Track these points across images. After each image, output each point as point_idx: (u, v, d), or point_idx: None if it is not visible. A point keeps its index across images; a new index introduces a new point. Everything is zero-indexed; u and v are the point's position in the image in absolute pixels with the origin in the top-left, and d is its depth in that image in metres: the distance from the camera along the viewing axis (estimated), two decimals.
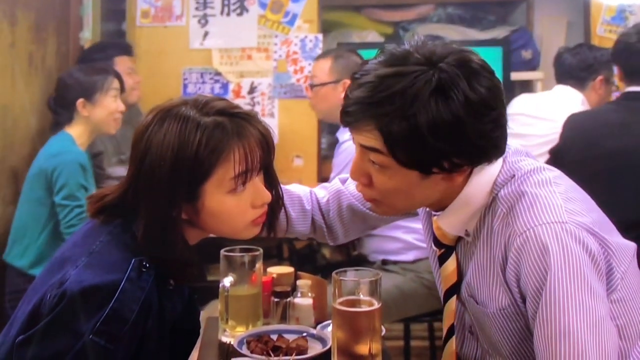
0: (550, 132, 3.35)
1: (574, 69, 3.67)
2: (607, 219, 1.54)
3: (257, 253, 1.92)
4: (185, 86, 4.33)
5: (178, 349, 1.67)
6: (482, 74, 1.42)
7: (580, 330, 1.33)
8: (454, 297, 1.64)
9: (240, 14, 4.30)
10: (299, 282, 2.05)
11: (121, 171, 3.48)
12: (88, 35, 4.06)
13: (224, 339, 1.90)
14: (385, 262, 3.21)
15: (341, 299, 1.62)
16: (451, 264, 1.63)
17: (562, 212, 1.42)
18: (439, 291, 1.72)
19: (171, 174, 1.45)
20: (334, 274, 1.63)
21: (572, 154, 2.90)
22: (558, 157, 2.94)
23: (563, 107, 3.45)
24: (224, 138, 1.48)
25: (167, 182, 1.46)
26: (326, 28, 4.56)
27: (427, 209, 1.70)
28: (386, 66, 1.42)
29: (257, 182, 1.56)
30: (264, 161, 1.55)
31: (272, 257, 3.94)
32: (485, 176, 1.52)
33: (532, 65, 4.61)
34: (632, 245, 1.52)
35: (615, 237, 1.49)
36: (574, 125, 3.04)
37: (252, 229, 1.60)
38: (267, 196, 1.58)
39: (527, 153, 1.62)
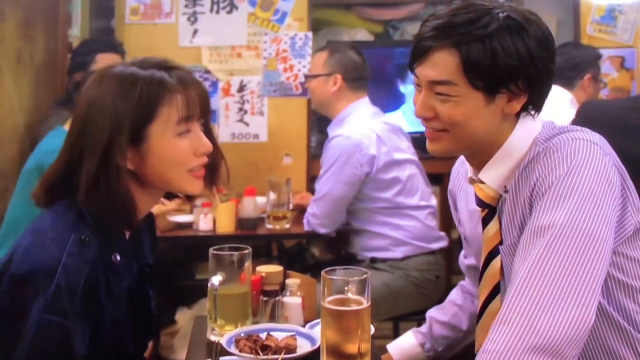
0: None
1: (561, 68, 3.67)
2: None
3: (246, 251, 1.92)
4: None
5: (137, 334, 1.71)
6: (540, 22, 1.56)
7: (573, 229, 1.36)
8: (498, 257, 1.68)
9: (229, 12, 4.30)
10: (288, 281, 2.05)
11: None
12: (77, 33, 4.05)
13: (213, 338, 1.90)
14: (373, 260, 3.22)
15: (330, 298, 1.62)
16: (493, 226, 1.68)
17: (596, 137, 1.51)
18: (478, 259, 1.78)
19: (113, 117, 1.49)
20: (323, 272, 1.63)
21: None
22: None
23: (551, 107, 3.44)
24: (165, 83, 1.53)
25: (110, 125, 1.49)
26: (316, 26, 4.55)
27: (469, 172, 1.74)
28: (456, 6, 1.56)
29: (199, 132, 1.61)
30: (203, 113, 1.62)
31: (261, 255, 3.95)
32: (528, 131, 1.61)
33: None
34: None
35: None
36: (588, 117, 2.94)
37: (194, 181, 1.62)
38: (209, 145, 1.62)
39: None
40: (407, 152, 3.27)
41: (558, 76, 3.57)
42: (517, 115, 1.61)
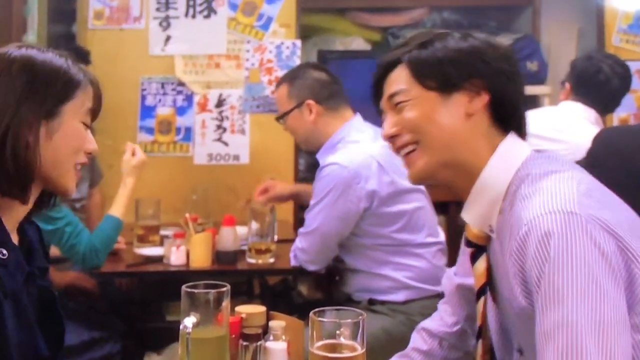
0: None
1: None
2: None
3: (224, 289, 1.91)
4: (143, 97, 4.34)
5: (52, 339, 1.77)
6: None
7: (581, 323, 1.36)
8: (482, 300, 1.76)
9: (207, 16, 4.32)
10: (271, 323, 2.05)
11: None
12: (32, 38, 4.05)
13: None
14: (372, 302, 3.19)
15: (319, 343, 1.62)
16: (481, 264, 1.75)
17: (574, 204, 1.47)
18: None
19: (33, 88, 1.65)
20: (311, 314, 1.63)
21: (603, 171, 2.89)
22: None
23: (575, 126, 3.45)
24: (85, 71, 1.76)
25: (29, 97, 1.64)
26: (305, 33, 4.58)
27: None
28: None
29: (89, 133, 1.77)
30: (94, 119, 1.80)
31: (241, 294, 3.93)
32: (506, 163, 1.68)
33: (538, 78, 4.64)
34: None
35: None
36: (608, 142, 3.00)
37: (74, 178, 1.75)
38: (96, 146, 1.78)
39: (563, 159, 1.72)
40: None
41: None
42: (502, 132, 1.72)
